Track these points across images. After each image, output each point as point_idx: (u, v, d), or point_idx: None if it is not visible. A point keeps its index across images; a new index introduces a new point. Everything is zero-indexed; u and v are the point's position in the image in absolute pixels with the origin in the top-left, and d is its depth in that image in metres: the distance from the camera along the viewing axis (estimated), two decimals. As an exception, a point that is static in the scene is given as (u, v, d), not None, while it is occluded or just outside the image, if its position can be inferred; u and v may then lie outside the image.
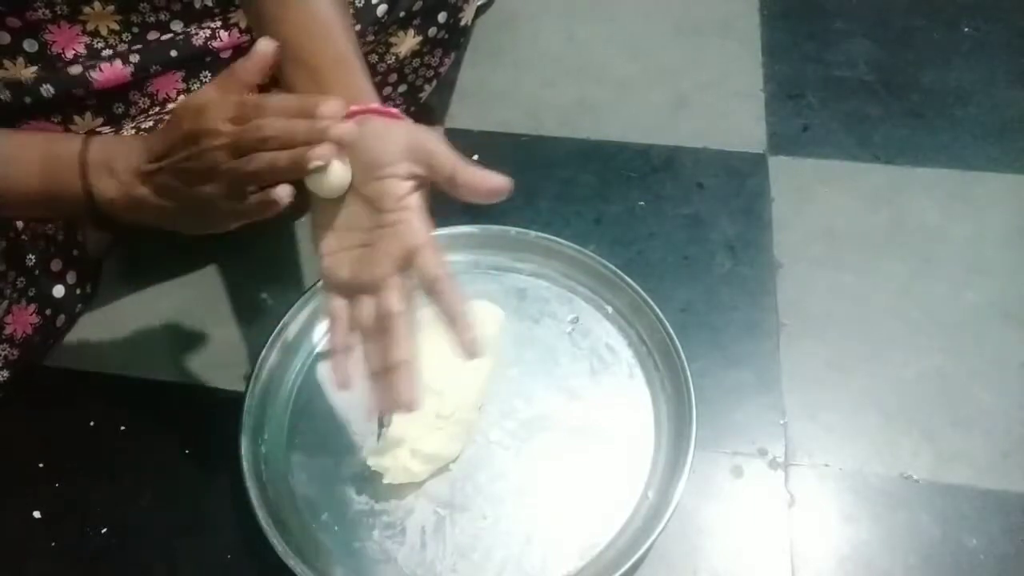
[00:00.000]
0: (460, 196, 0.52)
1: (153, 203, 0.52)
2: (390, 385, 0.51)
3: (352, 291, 0.53)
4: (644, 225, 0.85)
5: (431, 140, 0.52)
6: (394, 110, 0.56)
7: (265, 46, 0.50)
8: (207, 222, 0.53)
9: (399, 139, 0.52)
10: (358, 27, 0.74)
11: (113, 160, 0.53)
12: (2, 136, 0.58)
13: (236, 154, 0.48)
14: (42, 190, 0.55)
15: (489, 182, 0.51)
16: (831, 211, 0.86)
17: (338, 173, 0.51)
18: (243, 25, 0.74)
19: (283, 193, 0.49)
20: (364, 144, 0.52)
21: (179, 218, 0.53)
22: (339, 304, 0.54)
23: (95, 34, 0.71)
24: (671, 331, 0.70)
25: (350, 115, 0.54)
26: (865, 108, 0.95)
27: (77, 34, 0.70)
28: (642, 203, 0.87)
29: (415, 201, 0.52)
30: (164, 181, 0.51)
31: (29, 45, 0.69)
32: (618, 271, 0.75)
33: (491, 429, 0.69)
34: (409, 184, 0.52)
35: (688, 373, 0.68)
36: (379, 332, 0.52)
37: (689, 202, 0.87)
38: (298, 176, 0.50)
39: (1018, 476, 0.68)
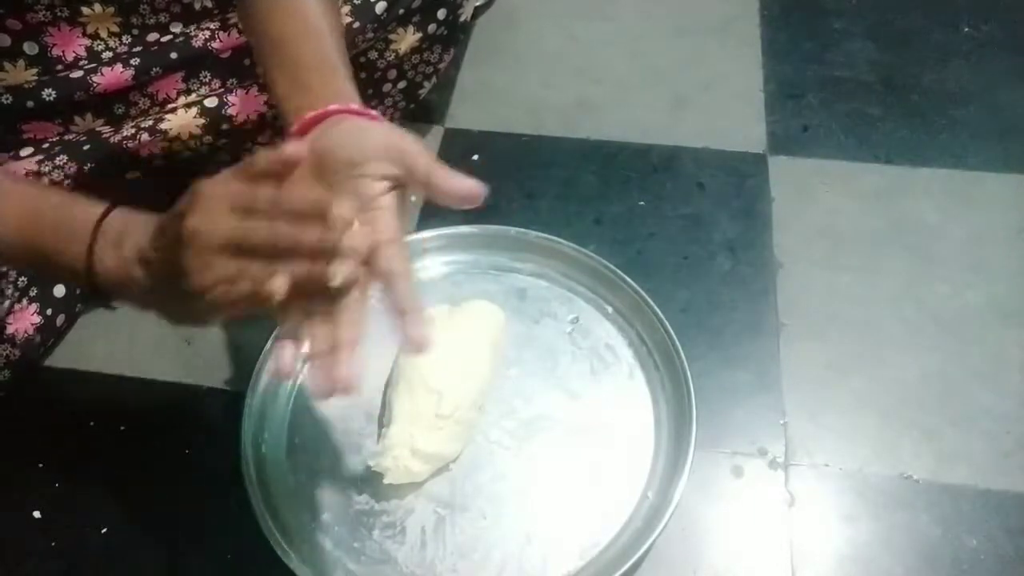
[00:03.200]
0: (434, 199, 0.51)
1: (142, 286, 0.49)
2: (330, 364, 0.48)
3: None
4: (644, 225, 0.85)
5: (407, 141, 0.51)
6: (374, 112, 0.55)
7: (295, 149, 0.46)
8: (193, 316, 0.49)
9: (376, 139, 0.52)
10: (357, 24, 0.74)
11: (125, 236, 0.49)
12: (22, 185, 0.57)
13: (235, 253, 0.44)
14: (44, 246, 0.52)
15: (463, 187, 0.51)
16: (831, 211, 0.86)
17: None
18: (242, 26, 0.74)
19: (278, 285, 0.45)
20: (340, 143, 0.51)
21: (165, 306, 0.50)
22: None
23: (95, 36, 0.71)
24: (671, 331, 0.70)
25: (328, 115, 0.53)
26: (865, 108, 0.95)
27: (77, 36, 0.70)
28: (642, 203, 0.87)
29: (388, 201, 0.51)
30: (158, 269, 0.48)
31: (29, 47, 0.69)
32: (618, 271, 0.75)
33: (491, 429, 0.69)
34: (384, 184, 0.51)
35: (688, 373, 0.68)
36: (329, 315, 0.49)
37: (689, 202, 0.87)
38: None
39: (1018, 476, 0.68)
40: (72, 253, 0.50)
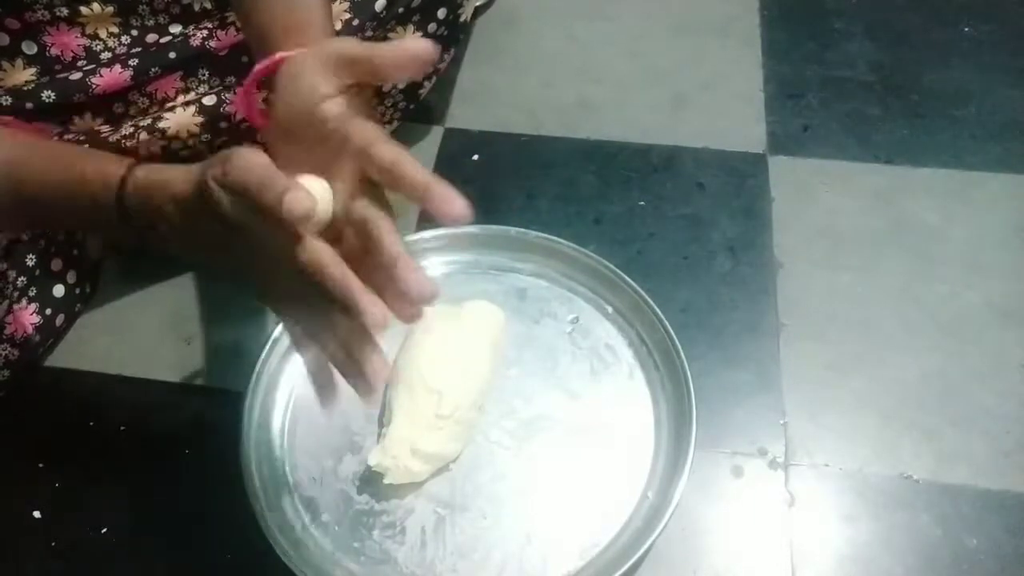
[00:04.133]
0: (391, 78, 0.49)
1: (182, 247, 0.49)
2: (397, 282, 0.45)
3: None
4: (644, 225, 0.85)
5: (339, 46, 0.49)
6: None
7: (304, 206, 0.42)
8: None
9: (312, 65, 0.49)
10: (356, 22, 0.74)
11: (153, 194, 0.47)
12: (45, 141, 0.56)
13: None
14: (74, 190, 0.51)
15: (410, 51, 0.47)
16: (831, 211, 0.86)
17: (323, 207, 0.46)
18: (240, 24, 0.74)
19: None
20: (288, 91, 0.50)
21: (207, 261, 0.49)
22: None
23: (94, 37, 0.71)
24: (671, 331, 0.70)
25: (266, 69, 0.52)
26: (865, 108, 0.95)
27: (76, 36, 0.70)
28: (642, 203, 0.87)
29: (354, 110, 0.49)
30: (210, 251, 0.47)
31: (28, 47, 0.69)
32: (618, 271, 0.75)
33: (491, 429, 0.69)
34: (340, 99, 0.49)
35: (688, 373, 0.68)
36: (363, 250, 0.48)
37: (689, 202, 0.87)
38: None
39: (1018, 476, 0.68)
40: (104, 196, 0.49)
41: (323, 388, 0.53)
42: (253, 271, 0.47)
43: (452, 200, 0.44)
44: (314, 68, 0.49)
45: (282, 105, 0.50)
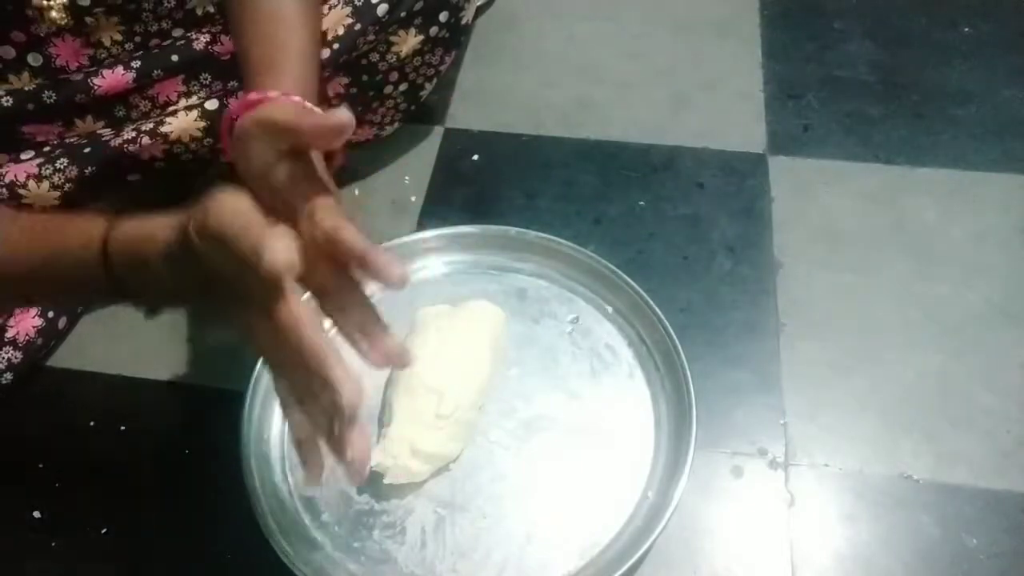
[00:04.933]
0: (316, 145, 0.50)
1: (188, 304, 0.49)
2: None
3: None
4: (644, 225, 0.85)
5: (270, 114, 0.50)
6: (271, 94, 0.54)
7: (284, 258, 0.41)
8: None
9: (254, 131, 0.50)
10: (358, 26, 0.74)
11: (142, 264, 0.46)
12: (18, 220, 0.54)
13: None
14: (55, 275, 0.50)
15: (331, 122, 0.47)
16: (831, 211, 0.86)
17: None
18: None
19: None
20: (240, 154, 0.50)
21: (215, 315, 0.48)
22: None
23: (99, 45, 0.71)
24: (671, 331, 0.70)
25: (246, 105, 0.52)
26: (865, 108, 0.95)
27: (81, 46, 0.70)
28: (642, 203, 0.87)
29: (300, 174, 0.49)
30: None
31: (33, 59, 0.69)
32: (618, 271, 0.75)
33: (491, 429, 0.69)
34: (286, 164, 0.49)
35: (688, 373, 0.68)
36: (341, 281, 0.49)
37: (689, 202, 0.87)
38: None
39: (1018, 476, 0.68)
40: (91, 280, 0.48)
41: (307, 463, 0.51)
42: (240, 322, 0.45)
43: (390, 265, 0.45)
44: (256, 134, 0.50)
45: (241, 162, 0.51)
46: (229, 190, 0.42)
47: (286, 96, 0.53)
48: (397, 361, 0.50)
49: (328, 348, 0.44)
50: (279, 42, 0.58)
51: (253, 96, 0.53)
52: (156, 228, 0.45)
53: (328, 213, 0.48)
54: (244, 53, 0.59)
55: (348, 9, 0.74)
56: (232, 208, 0.41)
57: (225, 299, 0.44)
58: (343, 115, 0.46)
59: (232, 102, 0.54)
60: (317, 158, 0.51)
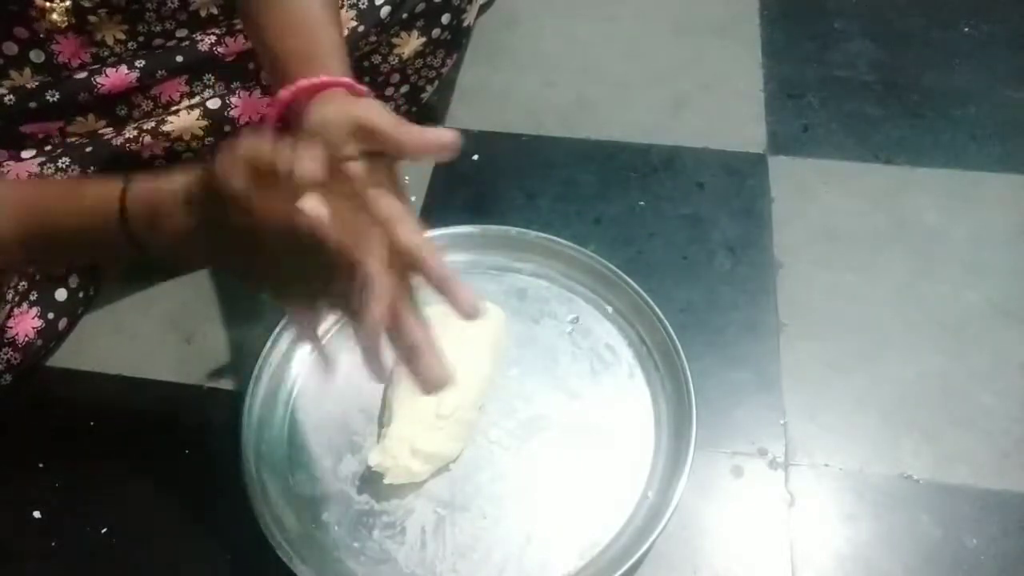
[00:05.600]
0: (412, 158, 0.51)
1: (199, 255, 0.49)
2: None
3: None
4: (644, 225, 0.85)
5: (366, 113, 0.51)
6: (362, 87, 0.55)
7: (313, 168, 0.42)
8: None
9: (336, 121, 0.51)
10: (361, 28, 0.74)
11: (158, 217, 0.47)
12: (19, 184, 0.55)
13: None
14: (61, 235, 0.51)
15: (433, 140, 0.50)
16: (831, 211, 0.86)
17: None
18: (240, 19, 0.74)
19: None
20: (317, 120, 0.51)
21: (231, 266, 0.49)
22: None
23: (101, 44, 0.71)
24: (671, 331, 0.70)
25: (323, 86, 0.53)
26: (865, 108, 0.95)
27: (83, 44, 0.70)
28: (642, 203, 0.87)
29: (378, 176, 0.51)
30: (214, 252, 0.47)
31: (36, 56, 0.69)
32: (618, 271, 0.75)
33: (491, 429, 0.69)
34: (361, 163, 0.51)
35: (688, 373, 0.68)
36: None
37: (689, 202, 0.87)
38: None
39: (1018, 476, 0.68)
40: (106, 237, 0.49)
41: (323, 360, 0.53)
42: (255, 262, 0.46)
43: (467, 295, 0.47)
44: (338, 124, 0.50)
45: (311, 123, 0.51)
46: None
47: (350, 84, 0.54)
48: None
49: (346, 238, 0.43)
50: (315, 38, 0.58)
51: (304, 83, 0.53)
52: (172, 179, 0.46)
53: (411, 230, 0.48)
54: (275, 50, 0.58)
55: (352, 12, 0.74)
56: (261, 137, 0.42)
57: (243, 239, 0.44)
58: (450, 134, 0.48)
59: (285, 90, 0.54)
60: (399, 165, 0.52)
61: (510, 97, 0.98)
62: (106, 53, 0.72)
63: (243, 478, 0.64)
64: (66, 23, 0.67)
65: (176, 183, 0.46)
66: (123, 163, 0.73)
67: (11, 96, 0.69)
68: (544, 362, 0.73)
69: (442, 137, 0.50)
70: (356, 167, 0.51)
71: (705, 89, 0.98)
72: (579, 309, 0.76)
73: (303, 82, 0.54)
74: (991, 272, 0.80)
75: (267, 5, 0.60)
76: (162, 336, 0.78)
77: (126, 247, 0.48)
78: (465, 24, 0.84)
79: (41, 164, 0.70)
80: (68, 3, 0.66)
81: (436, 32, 0.81)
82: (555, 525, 0.64)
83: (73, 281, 0.77)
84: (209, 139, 0.75)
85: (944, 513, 0.66)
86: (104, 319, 0.80)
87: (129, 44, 0.72)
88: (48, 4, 0.65)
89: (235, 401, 0.69)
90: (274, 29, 0.60)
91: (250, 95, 0.75)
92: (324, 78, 0.54)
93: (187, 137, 0.74)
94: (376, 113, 0.51)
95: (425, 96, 0.89)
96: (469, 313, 0.47)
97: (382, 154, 0.52)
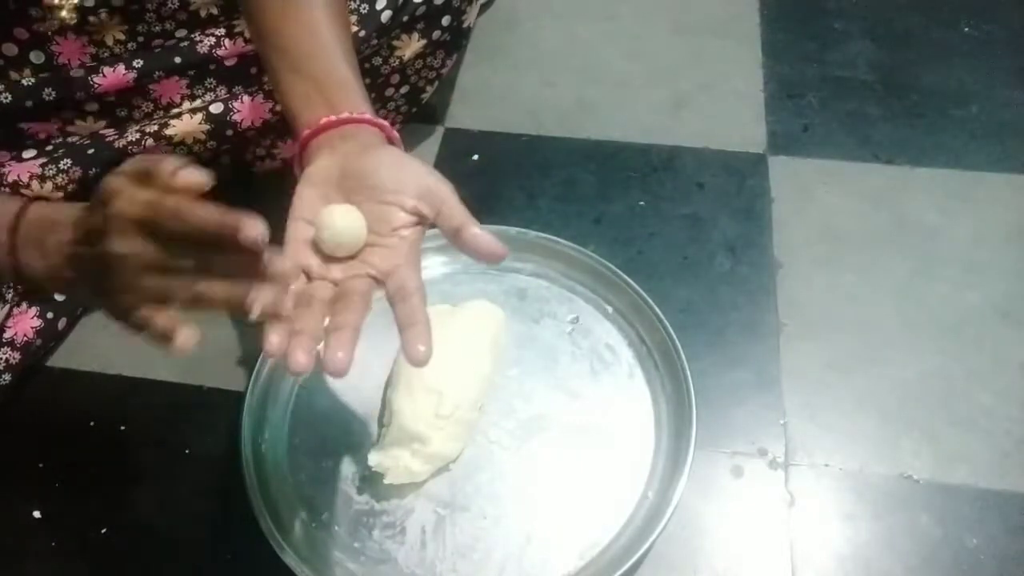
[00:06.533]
0: (459, 248, 0.52)
1: (76, 286, 0.50)
2: (328, 344, 0.46)
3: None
4: (644, 225, 0.85)
5: (445, 190, 0.52)
6: (385, 123, 0.56)
7: (193, 177, 0.43)
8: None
9: (415, 176, 0.52)
10: (362, 32, 0.75)
11: (47, 235, 0.49)
12: None
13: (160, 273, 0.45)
14: None
15: (489, 246, 0.51)
16: (831, 211, 0.86)
17: (355, 232, 0.51)
18: (247, 34, 0.74)
19: (186, 339, 0.46)
20: (378, 168, 0.52)
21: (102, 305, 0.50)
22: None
23: (101, 44, 0.71)
24: (671, 331, 0.70)
25: (343, 123, 0.54)
26: (865, 108, 0.95)
27: (83, 45, 0.71)
28: (642, 203, 0.87)
29: (412, 235, 0.52)
30: (84, 279, 0.48)
31: (36, 56, 0.69)
32: (618, 271, 0.75)
33: (491, 429, 0.69)
34: (411, 219, 0.52)
35: (688, 373, 0.68)
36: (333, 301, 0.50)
37: (689, 202, 0.87)
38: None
39: (1018, 476, 0.68)
40: None
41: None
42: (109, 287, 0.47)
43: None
44: (414, 178, 0.52)
45: (364, 167, 0.53)
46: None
47: (372, 120, 0.55)
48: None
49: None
50: (331, 63, 0.59)
51: (325, 121, 0.55)
52: (65, 208, 0.48)
53: (412, 278, 0.50)
54: (305, 72, 0.58)
55: (353, 17, 0.74)
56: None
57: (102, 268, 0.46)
58: (500, 247, 0.51)
59: (307, 128, 0.55)
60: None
61: (510, 97, 0.98)
62: (106, 53, 0.72)
63: (243, 478, 0.64)
64: (75, 19, 0.67)
65: (65, 210, 0.48)
66: None
67: (7, 94, 0.69)
68: (544, 362, 0.73)
69: (495, 249, 0.51)
70: (398, 216, 0.52)
71: (705, 89, 0.98)
72: (579, 309, 0.76)
73: (346, 115, 0.55)
74: (991, 272, 0.80)
75: (278, 13, 0.60)
76: (162, 336, 0.78)
77: (10, 271, 0.50)
78: (465, 25, 0.84)
79: (42, 165, 0.70)
80: (76, 0, 0.66)
81: (436, 34, 0.81)
82: (555, 525, 0.64)
83: (73, 281, 0.77)
84: (211, 143, 0.75)
85: (944, 513, 0.66)
86: (104, 319, 0.79)
87: (129, 44, 0.72)
88: (57, 1, 0.65)
89: (235, 401, 0.69)
90: (293, 40, 0.59)
91: (252, 99, 0.75)
92: (367, 115, 0.55)
93: (189, 141, 0.74)
94: (453, 197, 0.52)
95: (425, 96, 0.89)
96: (417, 360, 0.47)
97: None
